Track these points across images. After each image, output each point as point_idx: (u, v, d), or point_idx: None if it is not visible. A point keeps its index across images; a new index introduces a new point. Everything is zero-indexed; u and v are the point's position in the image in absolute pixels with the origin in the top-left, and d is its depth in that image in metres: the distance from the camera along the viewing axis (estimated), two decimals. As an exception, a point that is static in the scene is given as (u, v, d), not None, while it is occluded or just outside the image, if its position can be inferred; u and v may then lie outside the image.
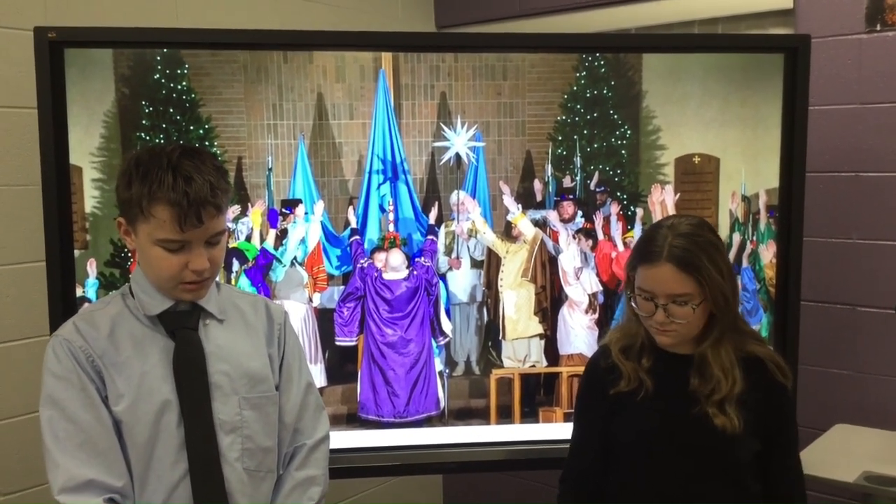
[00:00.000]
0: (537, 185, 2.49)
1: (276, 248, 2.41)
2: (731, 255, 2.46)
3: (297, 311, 2.42)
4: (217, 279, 1.75)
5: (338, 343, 2.46)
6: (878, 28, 2.64)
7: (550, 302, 2.52)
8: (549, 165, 2.48)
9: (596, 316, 2.51)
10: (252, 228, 2.39)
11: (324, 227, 2.44)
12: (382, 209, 2.46)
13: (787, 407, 1.85)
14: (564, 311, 2.52)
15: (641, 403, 1.80)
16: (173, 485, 1.63)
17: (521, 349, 2.53)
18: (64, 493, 1.56)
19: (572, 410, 2.48)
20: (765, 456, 1.81)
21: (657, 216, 2.48)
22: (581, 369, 2.50)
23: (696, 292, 1.71)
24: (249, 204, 2.39)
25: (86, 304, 2.18)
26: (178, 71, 2.31)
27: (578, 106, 2.48)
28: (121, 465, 1.61)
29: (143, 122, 2.29)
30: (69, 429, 1.58)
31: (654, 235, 1.76)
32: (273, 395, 1.76)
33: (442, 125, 2.45)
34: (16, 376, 2.48)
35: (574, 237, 2.50)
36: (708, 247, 1.73)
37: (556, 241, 2.50)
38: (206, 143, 2.33)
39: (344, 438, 2.43)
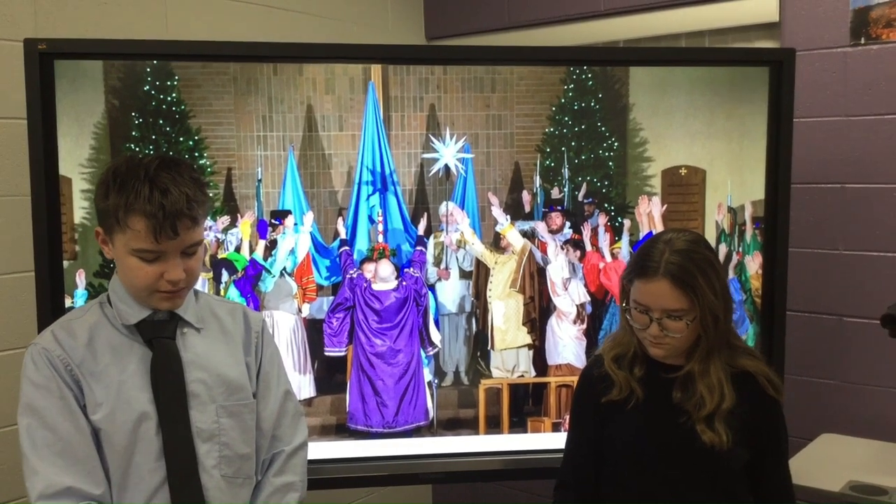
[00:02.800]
0: (526, 196, 2.50)
1: (265, 259, 2.41)
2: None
3: (287, 322, 2.43)
4: (196, 287, 1.75)
5: (327, 353, 2.47)
6: (863, 41, 2.67)
7: (539, 312, 2.53)
8: (538, 177, 2.50)
9: (584, 326, 2.53)
10: (241, 239, 2.40)
11: (313, 238, 2.45)
12: (372, 220, 2.47)
13: (778, 421, 1.86)
14: (553, 321, 2.53)
15: (632, 412, 1.82)
16: (152, 491, 1.64)
17: (510, 359, 2.54)
18: (42, 500, 1.56)
19: (561, 420, 2.52)
20: (755, 467, 1.82)
21: (644, 227, 2.50)
22: (570, 379, 2.53)
23: (691, 308, 1.73)
24: (239, 215, 2.40)
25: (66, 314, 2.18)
26: (168, 82, 2.32)
27: (566, 118, 2.50)
28: (99, 473, 1.62)
29: (133, 133, 2.30)
30: (48, 436, 1.59)
31: (651, 250, 1.77)
32: (250, 402, 1.77)
33: (431, 137, 2.46)
34: (4, 386, 2.47)
35: (562, 248, 2.51)
36: (704, 264, 1.75)
37: (544, 251, 2.51)
38: (196, 155, 2.34)
39: (333, 449, 2.44)
